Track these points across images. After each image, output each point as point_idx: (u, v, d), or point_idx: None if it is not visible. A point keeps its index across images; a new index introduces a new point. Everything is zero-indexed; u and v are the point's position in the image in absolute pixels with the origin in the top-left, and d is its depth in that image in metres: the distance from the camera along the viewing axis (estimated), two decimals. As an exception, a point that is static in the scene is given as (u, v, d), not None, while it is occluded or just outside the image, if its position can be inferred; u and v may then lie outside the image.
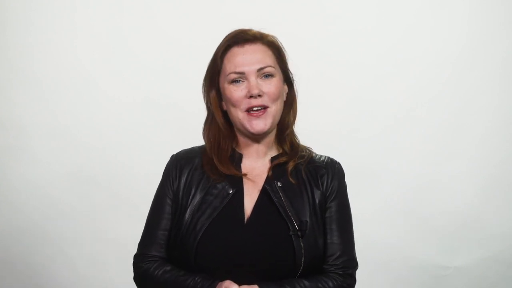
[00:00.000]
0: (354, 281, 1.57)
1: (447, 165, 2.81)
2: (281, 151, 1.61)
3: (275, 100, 1.54)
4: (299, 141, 1.65)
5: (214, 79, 1.58)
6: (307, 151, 1.64)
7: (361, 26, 2.80)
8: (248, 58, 1.53)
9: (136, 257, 1.60)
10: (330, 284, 1.49)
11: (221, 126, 1.59)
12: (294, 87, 1.63)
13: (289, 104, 1.62)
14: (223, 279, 1.43)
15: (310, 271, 1.49)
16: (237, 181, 1.55)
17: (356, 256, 1.59)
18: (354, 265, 1.57)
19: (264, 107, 1.53)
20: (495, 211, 2.82)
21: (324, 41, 2.79)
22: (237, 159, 1.58)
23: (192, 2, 2.81)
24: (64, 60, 2.83)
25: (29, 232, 2.87)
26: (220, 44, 1.57)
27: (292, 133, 1.63)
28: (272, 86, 1.53)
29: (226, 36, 1.58)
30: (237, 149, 1.60)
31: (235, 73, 1.52)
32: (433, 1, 2.79)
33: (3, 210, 2.89)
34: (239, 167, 1.57)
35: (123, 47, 2.82)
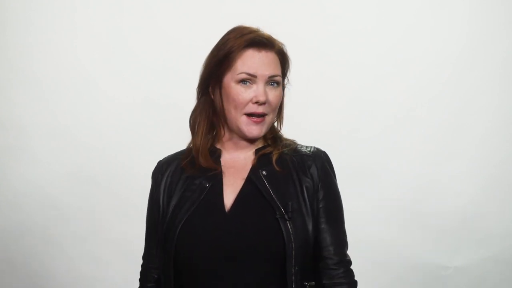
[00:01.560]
0: (352, 273, 1.56)
1: (447, 165, 2.81)
2: (264, 144, 1.62)
3: (274, 109, 1.56)
4: (282, 134, 1.65)
5: (219, 71, 1.56)
6: (292, 141, 1.64)
7: (361, 26, 2.80)
8: (262, 63, 1.52)
9: (141, 273, 1.65)
10: None
11: (208, 116, 1.59)
12: (284, 92, 1.63)
13: (279, 109, 1.62)
14: (206, 270, 1.44)
15: (301, 258, 1.47)
16: (215, 175, 1.55)
17: (347, 240, 1.58)
18: (346, 250, 1.57)
19: (264, 115, 1.54)
20: (495, 211, 2.82)
21: (324, 41, 2.79)
22: (217, 154, 1.59)
23: (192, 2, 2.81)
24: (64, 60, 2.83)
25: (29, 232, 2.88)
26: (236, 40, 1.54)
27: (275, 129, 1.64)
28: (276, 96, 1.54)
29: (242, 34, 1.55)
30: (216, 145, 1.61)
31: (247, 74, 1.52)
32: (433, 1, 2.79)
33: (3, 210, 2.89)
34: (218, 162, 1.57)
35: (123, 47, 2.82)
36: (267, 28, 1.61)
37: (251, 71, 1.52)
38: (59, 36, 2.83)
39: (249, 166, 1.56)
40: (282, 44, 1.59)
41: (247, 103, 1.52)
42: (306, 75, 2.67)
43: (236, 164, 1.58)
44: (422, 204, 2.81)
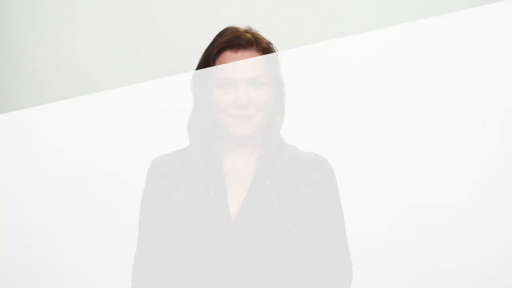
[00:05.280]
0: (351, 272, 1.59)
1: (447, 165, 2.80)
2: (265, 150, 1.58)
3: (262, 109, 1.51)
4: (284, 141, 1.62)
5: (203, 78, 1.55)
6: (292, 148, 1.61)
7: (361, 26, 2.80)
8: (240, 66, 1.48)
9: (133, 272, 1.61)
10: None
11: (204, 124, 1.56)
12: (284, 91, 1.59)
13: (278, 108, 1.59)
14: (209, 277, 1.43)
15: (308, 266, 1.49)
16: (218, 181, 1.51)
17: (348, 245, 1.60)
18: (348, 255, 1.59)
19: (250, 116, 1.50)
20: (495, 210, 2.82)
21: (324, 41, 2.79)
22: (218, 158, 1.55)
23: (192, 2, 2.81)
24: (64, 60, 2.83)
25: (29, 232, 2.87)
26: (214, 43, 1.54)
27: (278, 135, 1.60)
28: (261, 97, 1.50)
29: (221, 36, 1.54)
30: (218, 149, 1.57)
31: (225, 79, 1.49)
32: (433, 1, 2.79)
33: (3, 210, 2.89)
34: (220, 167, 1.54)
35: (123, 47, 2.82)
36: (267, 28, 1.61)
37: (229, 76, 1.48)
38: (59, 36, 2.83)
39: (250, 174, 1.53)
40: (268, 42, 1.55)
41: (229, 107, 1.49)
42: (306, 75, 2.67)
43: (238, 171, 1.55)
44: (421, 204, 2.81)
